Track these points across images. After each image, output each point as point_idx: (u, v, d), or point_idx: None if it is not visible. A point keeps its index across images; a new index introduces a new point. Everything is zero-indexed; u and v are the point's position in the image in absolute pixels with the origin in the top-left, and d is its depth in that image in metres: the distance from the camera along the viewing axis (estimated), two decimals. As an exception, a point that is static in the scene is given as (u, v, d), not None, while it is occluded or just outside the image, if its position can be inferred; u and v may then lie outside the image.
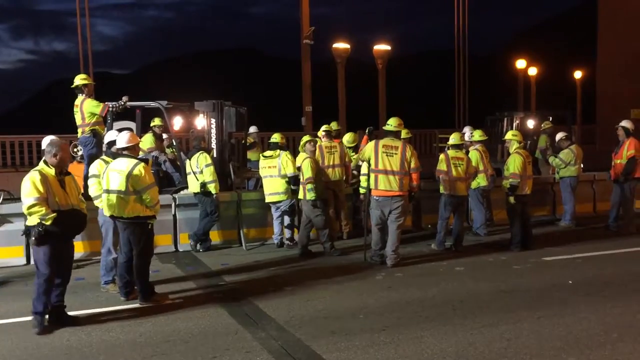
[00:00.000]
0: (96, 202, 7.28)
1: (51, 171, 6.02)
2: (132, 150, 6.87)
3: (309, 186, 9.14)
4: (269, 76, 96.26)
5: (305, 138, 9.70)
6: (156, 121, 11.95)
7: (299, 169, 9.50)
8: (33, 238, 5.85)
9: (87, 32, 21.56)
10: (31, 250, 6.16)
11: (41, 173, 5.96)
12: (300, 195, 9.36)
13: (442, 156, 9.70)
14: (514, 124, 16.50)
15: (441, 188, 9.63)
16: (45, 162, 6.07)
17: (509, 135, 10.00)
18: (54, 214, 5.88)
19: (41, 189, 5.86)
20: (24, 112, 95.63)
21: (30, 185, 5.87)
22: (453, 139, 9.79)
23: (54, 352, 5.48)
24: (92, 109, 9.50)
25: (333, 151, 10.24)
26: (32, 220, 5.88)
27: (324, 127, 10.81)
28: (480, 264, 8.76)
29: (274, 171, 9.82)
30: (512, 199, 9.41)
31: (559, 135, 12.02)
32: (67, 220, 6.02)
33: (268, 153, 10.06)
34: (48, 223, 5.85)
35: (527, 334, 5.71)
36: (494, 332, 5.77)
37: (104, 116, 9.78)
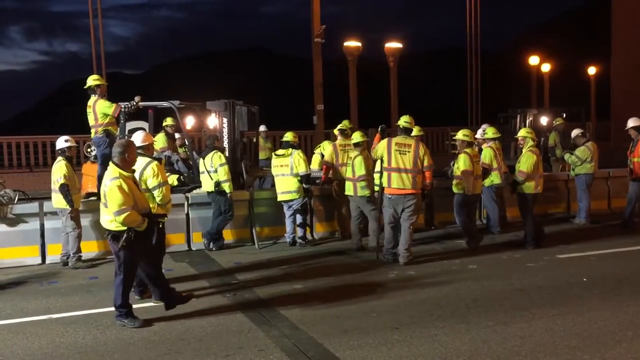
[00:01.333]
0: None
1: (130, 174, 6.07)
2: (146, 149, 6.90)
3: (362, 183, 9.21)
4: (280, 75, 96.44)
5: (362, 138, 9.59)
6: (168, 121, 12.02)
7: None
8: (123, 243, 5.91)
9: (99, 33, 21.67)
10: (112, 250, 6.17)
11: (124, 179, 5.95)
12: (351, 192, 9.45)
13: (465, 156, 9.30)
14: (527, 121, 16.42)
15: (456, 187, 9.53)
16: (116, 164, 6.03)
17: (523, 133, 9.88)
18: (146, 220, 6.02)
19: (130, 196, 5.91)
20: (38, 113, 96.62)
21: (121, 195, 5.84)
22: (466, 136, 9.64)
23: (70, 350, 5.53)
24: (104, 110, 9.55)
25: (347, 149, 10.22)
26: (113, 226, 5.94)
27: (339, 126, 10.81)
28: (493, 261, 8.72)
29: (286, 170, 9.83)
30: (509, 190, 9.81)
31: (575, 132, 11.86)
32: (150, 220, 6.19)
33: (280, 152, 10.06)
34: (142, 229, 5.97)
35: (541, 332, 5.68)
36: (507, 330, 5.74)
37: (117, 116, 9.84)
